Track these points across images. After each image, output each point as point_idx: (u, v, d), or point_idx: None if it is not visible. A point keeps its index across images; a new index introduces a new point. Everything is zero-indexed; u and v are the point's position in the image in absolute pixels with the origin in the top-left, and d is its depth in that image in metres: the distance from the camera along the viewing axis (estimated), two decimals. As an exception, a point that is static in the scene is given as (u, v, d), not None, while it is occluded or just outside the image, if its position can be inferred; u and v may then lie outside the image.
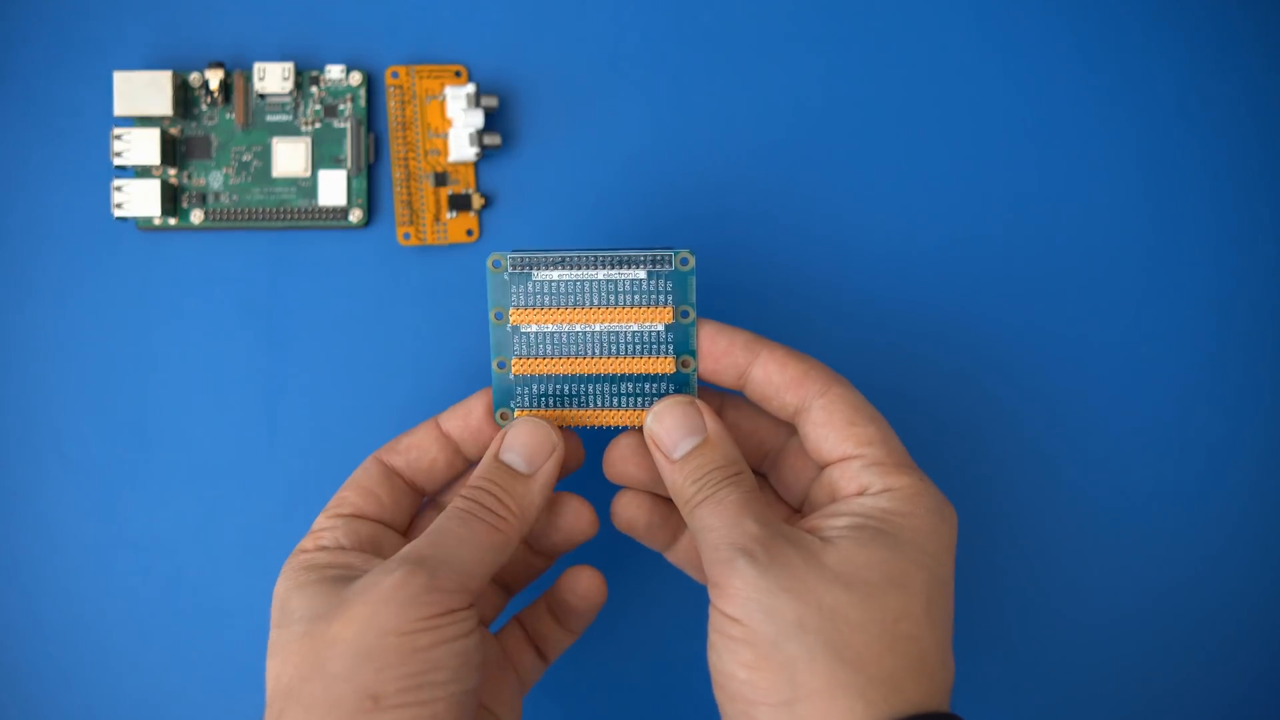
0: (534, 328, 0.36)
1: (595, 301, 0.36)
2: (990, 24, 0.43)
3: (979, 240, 0.43)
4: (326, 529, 0.35)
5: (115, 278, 0.42)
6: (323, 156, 0.42)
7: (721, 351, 0.35)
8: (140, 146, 0.41)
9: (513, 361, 0.36)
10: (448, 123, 0.42)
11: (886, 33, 0.43)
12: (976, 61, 0.43)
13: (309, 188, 0.42)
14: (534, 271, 0.36)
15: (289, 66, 0.41)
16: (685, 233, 0.43)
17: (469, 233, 0.42)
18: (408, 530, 0.37)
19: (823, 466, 0.35)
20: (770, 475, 0.38)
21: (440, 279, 0.42)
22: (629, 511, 0.37)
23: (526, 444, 0.35)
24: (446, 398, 0.41)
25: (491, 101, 0.41)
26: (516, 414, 0.36)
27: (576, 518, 0.37)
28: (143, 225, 0.42)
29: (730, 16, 0.43)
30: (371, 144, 0.42)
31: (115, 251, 0.42)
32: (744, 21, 0.43)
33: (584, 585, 0.37)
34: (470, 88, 0.41)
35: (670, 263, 0.35)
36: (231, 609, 0.42)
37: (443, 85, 0.42)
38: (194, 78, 0.42)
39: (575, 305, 0.36)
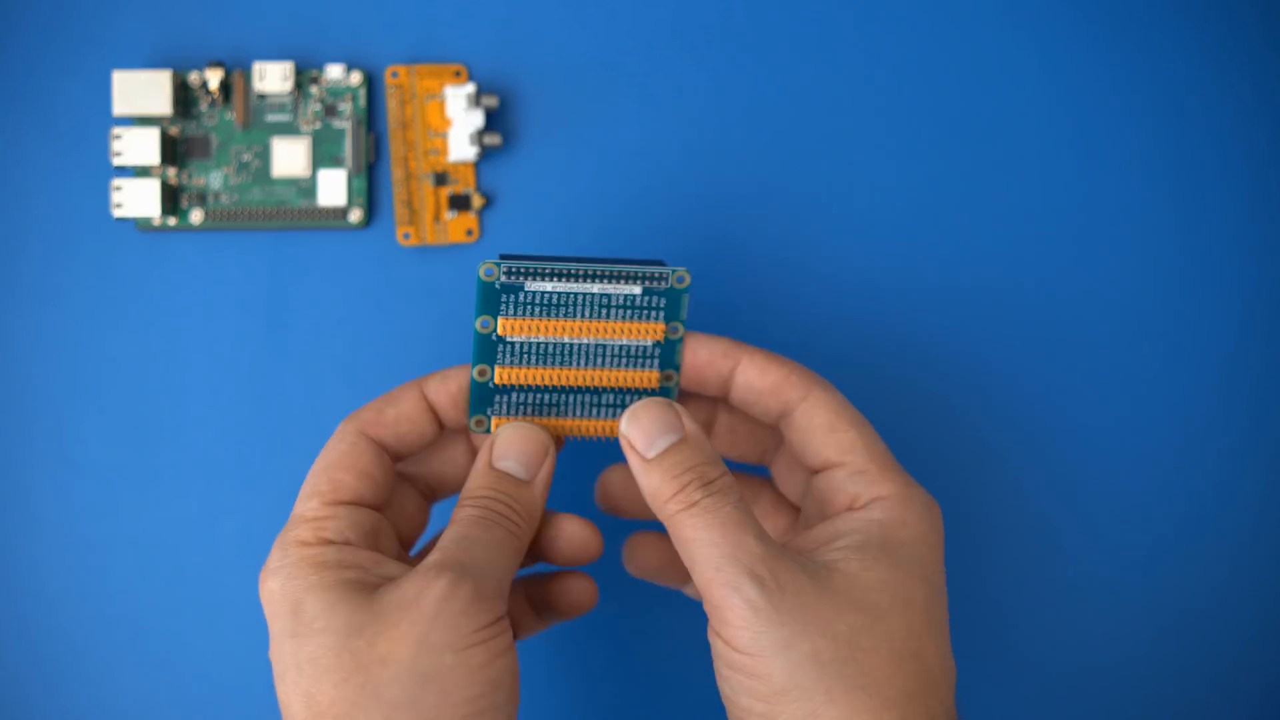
0: (520, 338, 0.35)
1: (586, 314, 0.35)
2: (991, 20, 0.43)
3: (981, 240, 0.43)
4: (327, 518, 0.33)
5: (114, 278, 0.42)
6: (323, 156, 0.42)
7: (704, 363, 0.35)
8: (140, 146, 0.41)
9: (496, 370, 0.35)
10: (448, 122, 0.42)
11: (888, 34, 0.43)
12: (977, 61, 0.43)
13: (309, 188, 0.42)
14: (526, 281, 0.34)
15: (289, 66, 0.41)
16: (684, 232, 0.43)
17: (469, 233, 0.42)
18: (384, 510, 0.35)
19: (811, 473, 0.35)
20: (772, 473, 0.38)
21: (440, 279, 0.42)
22: (642, 556, 0.36)
23: (522, 450, 0.34)
24: (447, 398, 0.41)
25: (491, 101, 0.41)
26: (494, 421, 0.35)
27: (580, 536, 0.35)
28: (142, 225, 0.42)
29: (730, 16, 0.43)
30: (371, 144, 0.42)
31: (114, 251, 0.42)
32: (744, 21, 0.43)
33: (576, 594, 0.36)
34: (470, 88, 0.41)
35: (666, 280, 0.35)
36: (231, 609, 0.42)
37: (443, 85, 0.42)
38: (193, 77, 0.42)
39: (566, 317, 0.35)
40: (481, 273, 0.34)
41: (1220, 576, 0.43)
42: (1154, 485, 0.43)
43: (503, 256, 0.34)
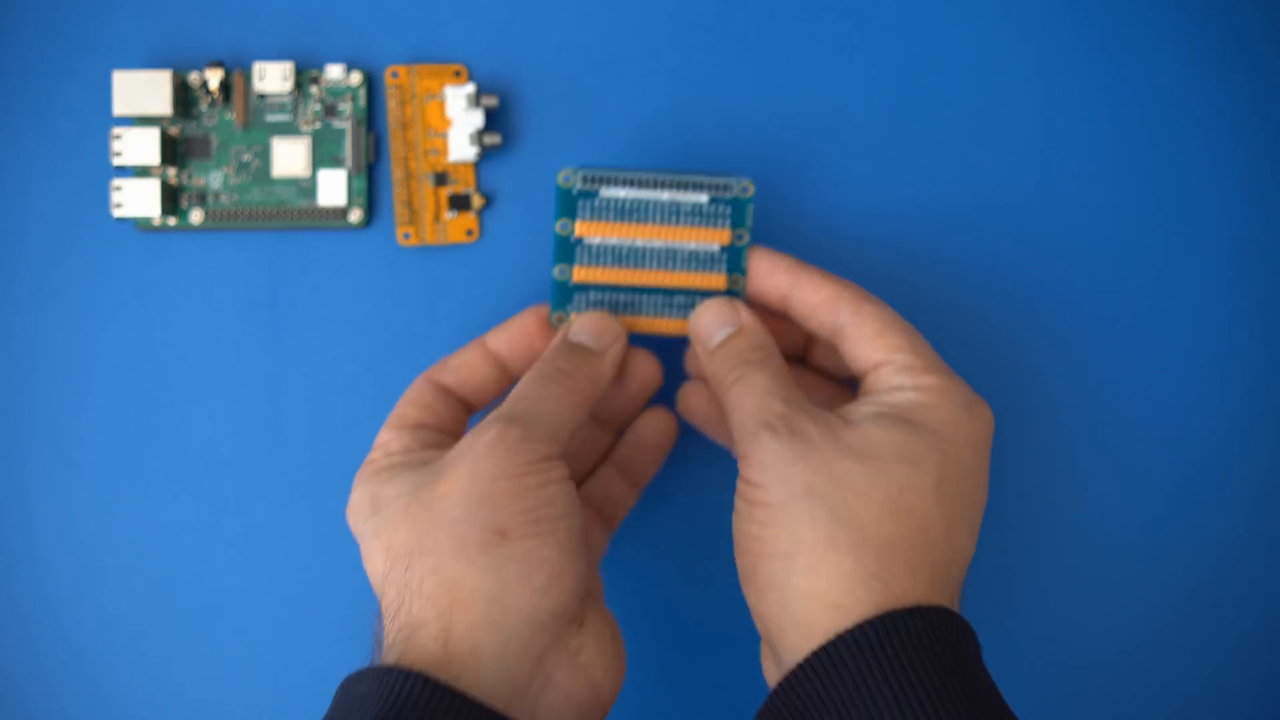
0: (597, 240, 0.38)
1: (657, 220, 0.38)
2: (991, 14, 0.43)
3: (1003, 207, 0.43)
4: (392, 439, 0.36)
5: (115, 278, 0.42)
6: (323, 156, 0.42)
7: (765, 273, 0.38)
8: (139, 146, 0.41)
9: (574, 269, 0.38)
10: (448, 122, 0.42)
11: (890, 29, 0.43)
12: (977, 53, 0.43)
13: (309, 188, 0.42)
14: (601, 188, 0.38)
15: (289, 66, 0.41)
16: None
17: (469, 233, 0.42)
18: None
19: (860, 378, 0.37)
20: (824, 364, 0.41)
21: (440, 279, 0.42)
22: (689, 400, 0.40)
23: (594, 328, 0.38)
24: (447, 398, 0.41)
25: (491, 101, 0.41)
26: (573, 317, 0.39)
27: (645, 367, 0.39)
28: (142, 225, 0.42)
29: (730, 16, 0.43)
30: (371, 144, 0.42)
31: (114, 251, 0.42)
32: (744, 21, 0.43)
33: (659, 427, 0.40)
34: (470, 88, 0.41)
35: (731, 189, 0.38)
36: (231, 609, 0.42)
37: (443, 85, 0.42)
38: (193, 77, 0.42)
39: (638, 221, 0.38)
40: (560, 179, 0.38)
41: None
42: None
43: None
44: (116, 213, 0.41)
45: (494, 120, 0.42)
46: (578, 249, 0.38)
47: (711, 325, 0.38)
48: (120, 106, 0.41)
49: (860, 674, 0.31)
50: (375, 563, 0.34)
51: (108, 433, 0.42)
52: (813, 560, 0.33)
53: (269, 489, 0.42)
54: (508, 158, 0.43)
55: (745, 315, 0.37)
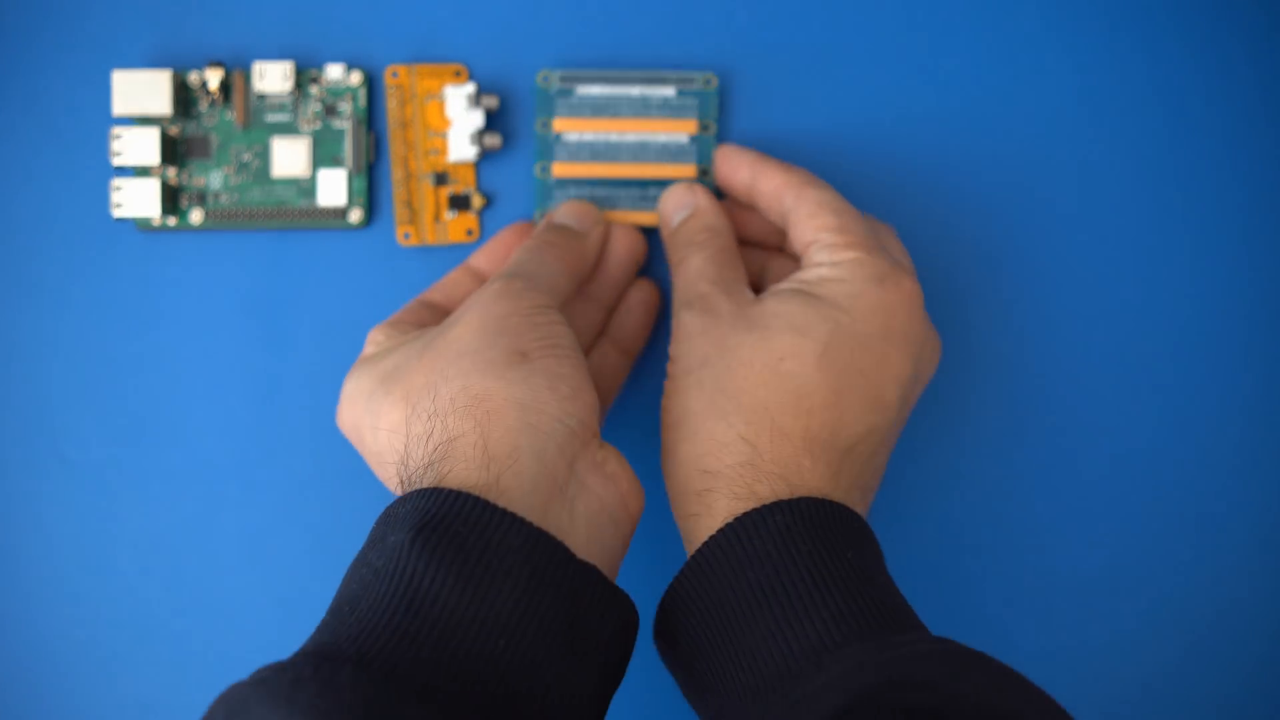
0: (575, 136, 0.41)
1: (629, 114, 0.41)
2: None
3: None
4: (383, 335, 0.38)
5: (114, 278, 0.42)
6: (322, 156, 0.42)
7: (730, 169, 0.40)
8: (139, 146, 0.41)
9: (553, 166, 0.41)
10: (448, 123, 0.42)
11: (890, 32, 0.43)
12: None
13: (309, 187, 0.42)
14: (577, 86, 0.41)
15: (289, 66, 0.41)
16: (685, 232, 0.43)
17: (469, 232, 0.42)
18: None
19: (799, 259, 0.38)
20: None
21: (440, 279, 0.42)
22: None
23: (575, 211, 0.40)
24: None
25: (491, 101, 0.41)
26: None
27: (628, 237, 0.41)
28: (142, 225, 0.42)
29: (730, 16, 0.43)
30: (371, 144, 0.42)
31: (114, 251, 0.42)
32: (744, 20, 0.43)
33: (645, 292, 0.42)
34: (470, 88, 0.41)
35: (695, 82, 0.41)
36: (231, 609, 0.42)
37: (443, 85, 0.42)
38: (193, 77, 0.42)
39: (611, 117, 0.41)
40: (539, 79, 0.41)
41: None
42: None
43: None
44: (116, 213, 0.41)
45: (494, 120, 0.42)
46: (556, 146, 0.41)
47: (671, 206, 0.40)
48: (120, 106, 0.41)
49: (720, 567, 0.32)
50: (393, 417, 0.34)
51: (108, 432, 0.42)
52: (694, 426, 0.35)
53: (269, 488, 0.42)
54: (508, 158, 0.43)
55: (702, 198, 0.40)
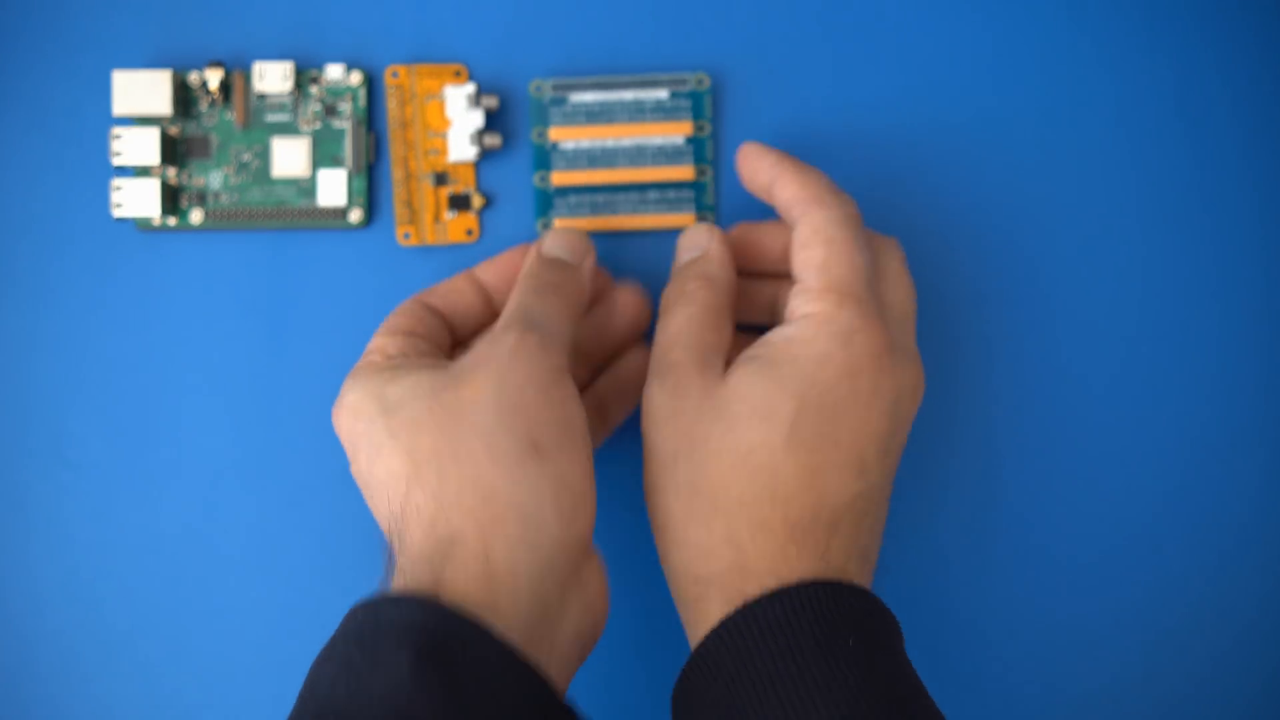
0: (571, 143, 0.41)
1: (624, 119, 0.41)
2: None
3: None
4: (388, 343, 0.36)
5: (114, 278, 0.42)
6: (323, 156, 0.42)
7: (750, 172, 0.38)
8: (139, 146, 0.41)
9: (551, 175, 0.41)
10: (447, 123, 0.42)
11: (887, 32, 0.43)
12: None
13: (309, 187, 0.42)
14: (570, 94, 0.41)
15: (289, 66, 0.41)
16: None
17: (469, 232, 0.42)
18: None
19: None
20: None
21: (440, 279, 0.42)
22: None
23: (565, 242, 0.38)
24: (446, 398, 0.41)
25: (491, 101, 0.41)
26: (555, 222, 0.41)
27: (631, 303, 0.40)
28: (142, 225, 0.42)
29: (730, 16, 0.43)
30: (371, 144, 0.42)
31: (114, 251, 0.42)
32: (744, 20, 0.43)
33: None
34: (470, 88, 0.41)
35: (688, 83, 0.41)
36: (231, 609, 0.42)
37: (443, 85, 0.42)
38: (193, 77, 0.42)
39: (606, 123, 0.41)
40: (531, 89, 0.41)
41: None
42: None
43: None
44: (116, 213, 0.41)
45: (494, 120, 0.42)
46: (553, 155, 0.41)
47: (684, 247, 0.39)
48: (120, 106, 0.41)
49: (716, 675, 0.32)
50: (392, 464, 0.32)
51: (106, 433, 0.42)
52: (678, 534, 0.34)
53: (268, 489, 0.42)
54: (508, 158, 0.43)
55: (712, 245, 0.38)
